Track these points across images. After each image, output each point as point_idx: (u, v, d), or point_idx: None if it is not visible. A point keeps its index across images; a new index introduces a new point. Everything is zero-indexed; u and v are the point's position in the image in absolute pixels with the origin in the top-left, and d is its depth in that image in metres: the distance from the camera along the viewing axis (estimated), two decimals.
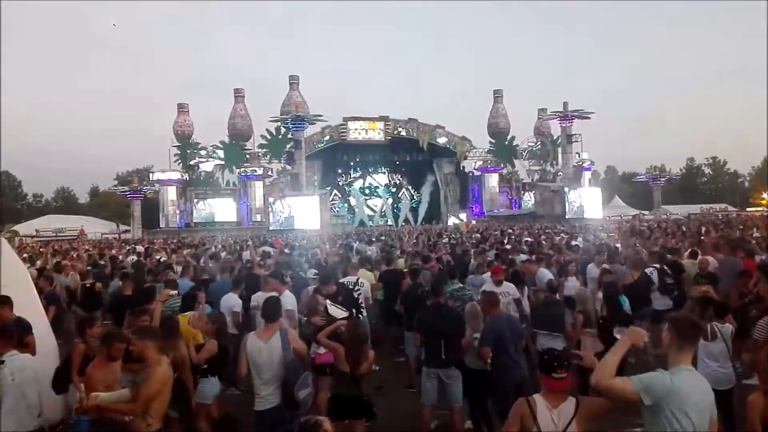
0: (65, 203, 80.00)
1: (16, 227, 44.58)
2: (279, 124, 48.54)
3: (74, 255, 18.36)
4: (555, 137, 54.16)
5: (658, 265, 9.31)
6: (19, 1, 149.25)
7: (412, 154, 55.24)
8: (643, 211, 54.15)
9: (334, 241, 22.60)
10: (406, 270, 10.11)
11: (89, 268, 13.34)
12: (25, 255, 17.81)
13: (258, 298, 7.34)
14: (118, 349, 4.72)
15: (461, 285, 8.35)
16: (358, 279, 8.91)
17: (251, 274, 9.73)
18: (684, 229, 22.74)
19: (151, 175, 52.68)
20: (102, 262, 14.43)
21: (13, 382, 4.56)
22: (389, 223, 54.16)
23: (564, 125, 49.12)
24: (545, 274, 9.19)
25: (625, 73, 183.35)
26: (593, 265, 9.99)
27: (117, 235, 45.46)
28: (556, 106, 50.15)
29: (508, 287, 7.77)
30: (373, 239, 22.20)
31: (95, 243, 32.88)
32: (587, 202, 47.91)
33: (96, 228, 53.01)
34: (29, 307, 6.44)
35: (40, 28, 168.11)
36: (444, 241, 19.82)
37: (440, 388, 5.97)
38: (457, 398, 5.94)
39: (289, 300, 7.27)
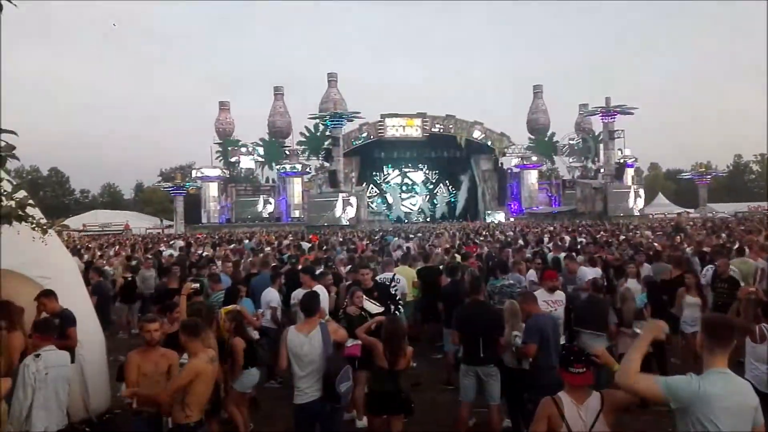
0: (111, 199, 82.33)
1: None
2: (317, 121, 48.99)
3: (117, 250, 18.91)
4: (597, 133, 53.11)
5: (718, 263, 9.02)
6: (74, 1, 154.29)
7: (449, 150, 54.93)
8: (688, 209, 52.62)
9: (371, 238, 22.72)
10: (442, 267, 10.10)
11: (131, 263, 13.77)
12: (78, 247, 18.49)
13: (297, 294, 7.49)
14: (148, 331, 4.81)
15: (511, 282, 8.35)
16: (394, 275, 8.96)
17: (293, 270, 9.88)
18: (731, 226, 22.09)
19: (193, 171, 53.85)
20: (149, 257, 14.85)
21: (46, 377, 4.60)
22: (426, 219, 54.08)
23: (606, 121, 48.04)
24: (585, 272, 9.05)
25: (669, 68, 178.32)
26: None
27: (161, 230, 46.67)
28: (598, 102, 49.17)
29: (560, 296, 7.18)
30: (411, 236, 22.24)
31: (142, 238, 33.77)
32: (629, 200, 46.80)
33: (140, 223, 54.59)
34: (77, 299, 6.64)
35: (83, 27, 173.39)
36: (481, 238, 19.70)
37: (478, 385, 5.96)
38: (494, 396, 5.91)
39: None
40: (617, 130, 48.74)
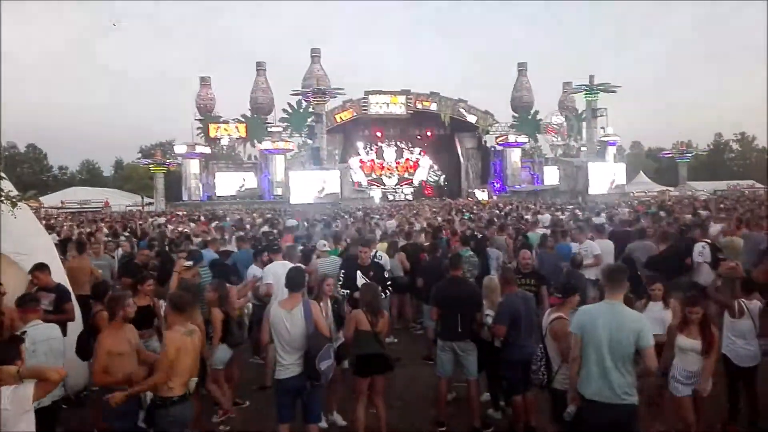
0: (90, 176, 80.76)
1: (42, 198, 45.03)
2: (300, 97, 48.43)
3: (97, 227, 18.61)
4: (580, 112, 53.31)
5: (709, 241, 9.04)
6: None
7: (433, 128, 54.78)
8: (668, 187, 53.16)
9: (354, 215, 22.63)
10: (426, 244, 10.10)
11: (109, 239, 13.52)
12: (53, 224, 18.17)
13: (271, 269, 7.48)
14: (129, 307, 4.73)
15: (471, 252, 8.58)
16: (376, 252, 8.93)
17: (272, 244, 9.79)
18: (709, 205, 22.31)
19: (174, 148, 53.04)
20: (126, 233, 14.65)
21: (34, 353, 4.50)
22: (409, 197, 54.00)
23: (589, 99, 48.20)
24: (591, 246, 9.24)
25: (652, 47, 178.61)
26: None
27: (141, 208, 46.06)
28: (581, 80, 49.20)
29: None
30: (394, 213, 22.21)
31: (122, 215, 33.29)
32: (611, 178, 47.16)
33: (120, 200, 53.65)
34: (53, 275, 6.50)
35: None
36: (465, 217, 19.69)
37: (456, 360, 5.99)
38: (472, 371, 5.94)
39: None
40: (600, 108, 48.93)
